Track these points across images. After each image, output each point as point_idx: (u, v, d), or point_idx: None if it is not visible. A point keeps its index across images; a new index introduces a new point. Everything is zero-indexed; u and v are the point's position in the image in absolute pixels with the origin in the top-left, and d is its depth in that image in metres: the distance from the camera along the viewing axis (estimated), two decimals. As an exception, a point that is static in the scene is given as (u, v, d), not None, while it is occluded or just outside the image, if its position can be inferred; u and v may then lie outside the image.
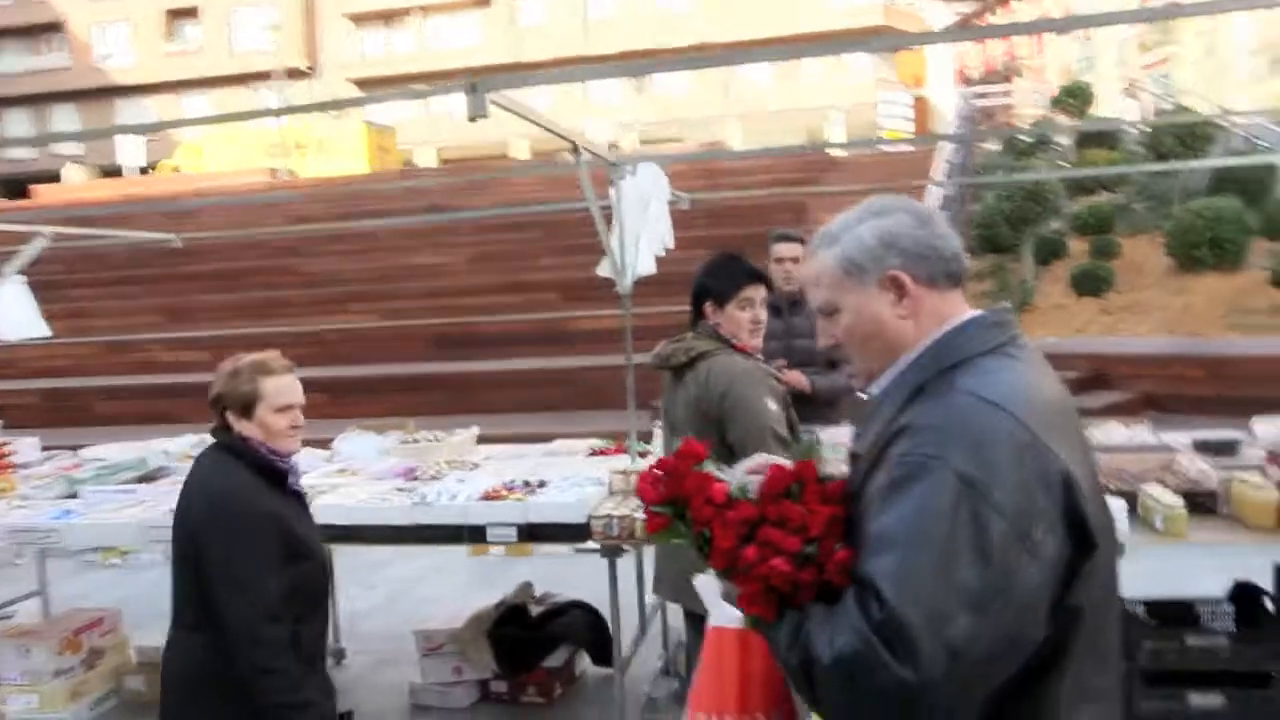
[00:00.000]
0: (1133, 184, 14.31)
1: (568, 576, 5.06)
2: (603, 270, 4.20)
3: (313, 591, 2.52)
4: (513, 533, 3.61)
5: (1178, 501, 3.33)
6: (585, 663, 4.75)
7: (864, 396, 1.56)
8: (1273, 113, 14.87)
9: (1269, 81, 28.82)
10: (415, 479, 4.24)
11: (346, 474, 4.50)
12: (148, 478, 4.78)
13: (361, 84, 38.53)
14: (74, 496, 4.42)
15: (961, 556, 1.22)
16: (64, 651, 4.47)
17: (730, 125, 32.64)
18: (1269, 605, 3.72)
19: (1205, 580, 4.68)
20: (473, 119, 2.40)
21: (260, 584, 2.32)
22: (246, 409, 2.45)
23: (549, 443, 4.99)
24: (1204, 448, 4.02)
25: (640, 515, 3.50)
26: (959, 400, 1.33)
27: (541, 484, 3.94)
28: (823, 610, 1.32)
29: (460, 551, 6.76)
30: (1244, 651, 3.45)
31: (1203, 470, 3.68)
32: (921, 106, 42.33)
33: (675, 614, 4.47)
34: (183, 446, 5.23)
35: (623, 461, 4.32)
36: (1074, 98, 16.41)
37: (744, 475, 1.50)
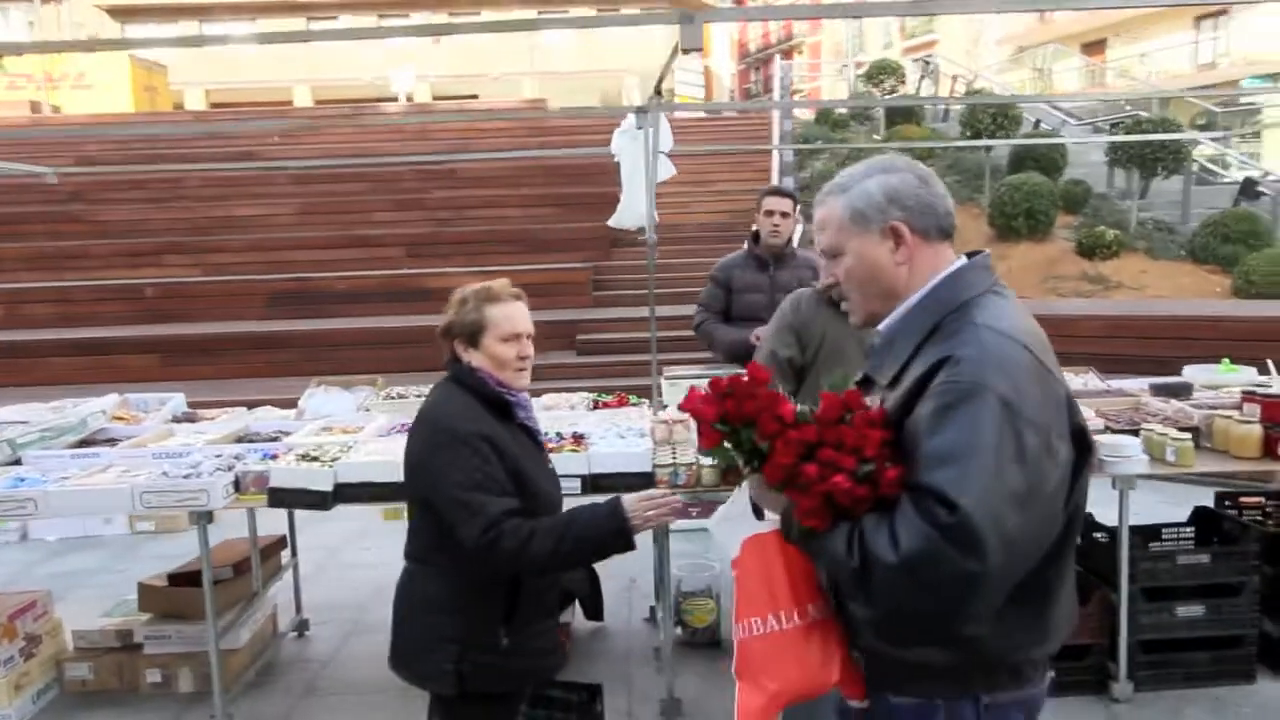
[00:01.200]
0: (942, 158, 15.47)
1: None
2: (618, 222, 4.11)
3: None
4: (576, 484, 3.51)
5: (1185, 435, 3.71)
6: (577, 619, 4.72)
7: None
8: (1050, 98, 16.64)
9: (1011, 71, 31.96)
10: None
11: (335, 432, 4.20)
12: (88, 441, 4.25)
13: (116, 12, 34.77)
14: (17, 463, 3.87)
15: (1008, 465, 1.42)
16: (0, 640, 3.92)
17: (528, 83, 32.14)
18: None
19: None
20: (686, 51, 2.29)
21: (486, 502, 2.16)
22: (473, 338, 2.32)
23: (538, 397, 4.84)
24: (1161, 391, 4.51)
25: (707, 462, 3.54)
26: (982, 334, 1.51)
27: (579, 436, 3.87)
28: (874, 518, 1.49)
29: (375, 515, 6.45)
30: (1220, 567, 3.93)
31: (1181, 409, 4.13)
32: (706, 75, 43.67)
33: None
34: (108, 405, 4.68)
35: (643, 412, 4.32)
36: (886, 74, 17.48)
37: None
